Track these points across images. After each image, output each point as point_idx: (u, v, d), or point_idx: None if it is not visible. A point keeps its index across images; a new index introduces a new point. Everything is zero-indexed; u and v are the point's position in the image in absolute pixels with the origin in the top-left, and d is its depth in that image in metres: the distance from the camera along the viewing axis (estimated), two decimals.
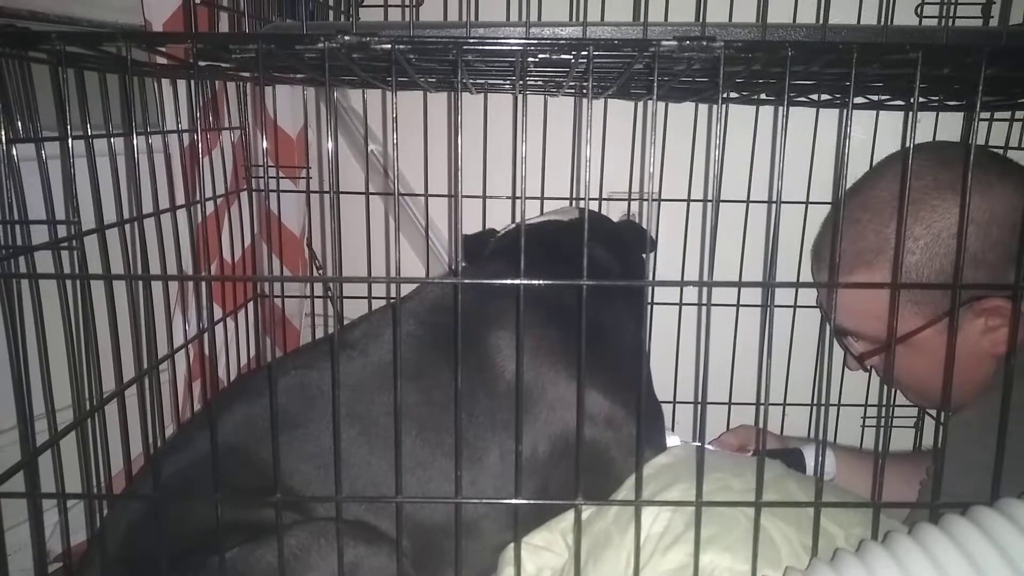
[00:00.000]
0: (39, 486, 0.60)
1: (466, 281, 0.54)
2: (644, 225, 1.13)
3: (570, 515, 0.77)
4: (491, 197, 1.15)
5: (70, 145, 0.56)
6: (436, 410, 0.77)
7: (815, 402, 1.14)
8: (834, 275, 0.57)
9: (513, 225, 1.07)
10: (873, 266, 0.85)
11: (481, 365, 0.80)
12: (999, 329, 0.80)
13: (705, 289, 0.54)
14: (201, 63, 0.76)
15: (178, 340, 0.95)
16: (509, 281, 0.53)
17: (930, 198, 0.81)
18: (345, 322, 0.92)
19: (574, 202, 1.18)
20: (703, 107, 1.14)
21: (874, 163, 1.12)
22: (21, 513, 0.62)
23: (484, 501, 0.78)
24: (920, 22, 1.07)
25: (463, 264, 1.07)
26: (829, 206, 1.15)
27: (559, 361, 0.81)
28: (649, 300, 1.11)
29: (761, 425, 0.60)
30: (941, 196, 0.81)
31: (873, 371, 1.05)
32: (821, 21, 0.92)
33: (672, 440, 0.86)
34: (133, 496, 0.74)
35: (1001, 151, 1.06)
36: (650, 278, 1.09)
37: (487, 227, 1.14)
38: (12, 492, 0.57)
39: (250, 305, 1.16)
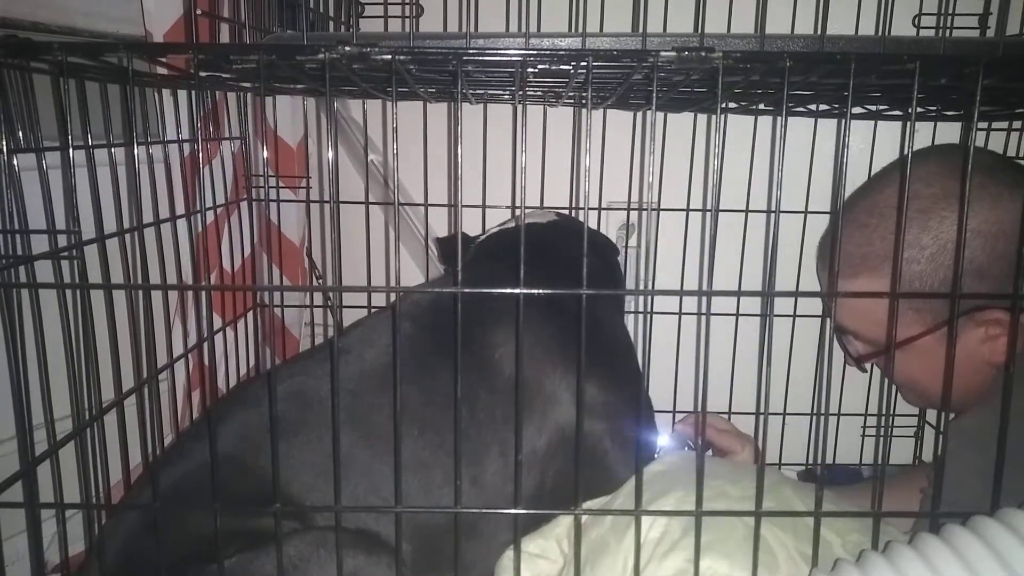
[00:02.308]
0: (37, 496, 0.60)
1: (466, 291, 0.54)
2: (644, 234, 1.14)
3: (565, 520, 0.77)
4: (491, 207, 1.15)
5: (71, 155, 0.56)
6: (437, 410, 0.78)
7: (815, 411, 1.14)
8: (833, 284, 0.57)
9: (495, 228, 1.07)
10: (877, 272, 0.85)
11: (479, 362, 0.81)
12: (998, 339, 0.80)
13: (704, 298, 0.54)
14: (202, 73, 0.76)
15: (177, 350, 0.95)
16: (509, 291, 0.54)
17: (939, 208, 0.81)
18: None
19: (574, 212, 1.18)
20: (702, 117, 1.15)
21: (873, 172, 1.12)
22: (19, 523, 0.62)
23: (483, 511, 0.78)
24: (917, 32, 1.07)
25: (445, 268, 1.07)
26: (828, 215, 1.15)
27: (555, 355, 0.82)
28: (648, 309, 1.11)
29: (761, 434, 0.60)
30: (951, 207, 0.80)
31: (874, 369, 1.05)
32: (819, 31, 0.92)
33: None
34: (132, 506, 0.74)
35: None
36: (649, 286, 1.10)
37: (462, 232, 1.14)
38: (10, 502, 0.57)
39: (250, 315, 1.16)
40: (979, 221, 0.78)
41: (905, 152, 0.55)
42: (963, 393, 0.81)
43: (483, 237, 1.07)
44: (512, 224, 1.04)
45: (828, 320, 0.92)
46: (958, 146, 1.05)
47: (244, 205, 1.12)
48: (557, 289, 0.54)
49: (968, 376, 0.81)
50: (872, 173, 1.13)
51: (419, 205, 1.19)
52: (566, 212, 1.17)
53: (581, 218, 1.12)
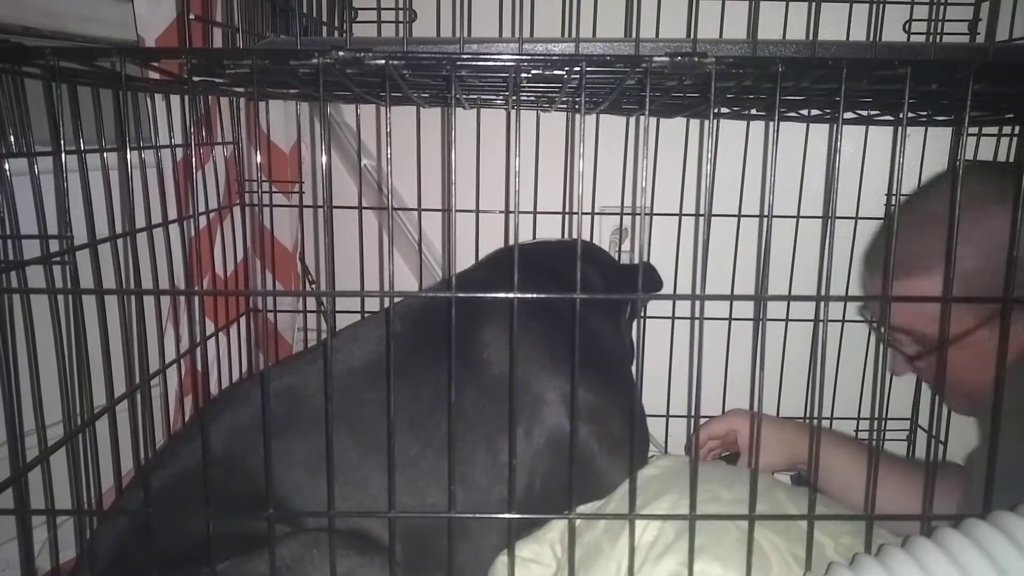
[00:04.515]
0: (28, 503, 0.59)
1: (460, 295, 0.54)
2: (637, 239, 1.14)
3: (558, 525, 0.77)
4: (484, 211, 1.15)
5: (63, 160, 0.56)
6: (424, 406, 0.78)
7: (808, 415, 1.14)
8: (830, 288, 0.57)
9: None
10: (932, 271, 0.86)
11: (468, 360, 0.81)
12: None
13: (697, 303, 0.54)
14: (195, 78, 0.76)
15: (170, 355, 0.95)
16: (503, 295, 0.54)
17: (990, 206, 0.82)
18: None
19: (566, 216, 1.19)
20: (695, 122, 1.15)
21: (864, 177, 1.13)
22: (10, 530, 0.62)
23: (477, 516, 0.78)
24: (908, 38, 1.08)
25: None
26: (820, 219, 1.15)
27: (544, 356, 0.82)
28: (641, 314, 1.12)
29: (755, 437, 0.60)
30: (1001, 205, 0.82)
31: (866, 375, 1.04)
32: (811, 37, 0.93)
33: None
34: (123, 511, 0.73)
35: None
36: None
37: (477, 245, 1.14)
38: (1, 509, 0.57)
39: (242, 320, 1.16)
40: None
41: (895, 157, 0.55)
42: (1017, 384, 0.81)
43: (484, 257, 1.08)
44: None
45: (877, 327, 0.92)
46: (992, 162, 1.05)
47: (237, 210, 1.12)
48: (548, 292, 0.54)
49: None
50: (863, 178, 1.14)
51: (412, 210, 1.19)
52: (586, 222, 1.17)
53: (573, 221, 1.12)
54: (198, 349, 0.86)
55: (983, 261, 0.82)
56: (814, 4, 0.93)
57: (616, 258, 1.20)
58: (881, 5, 0.89)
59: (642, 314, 1.13)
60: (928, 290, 0.85)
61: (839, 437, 1.00)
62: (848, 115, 1.01)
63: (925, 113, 0.96)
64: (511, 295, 0.53)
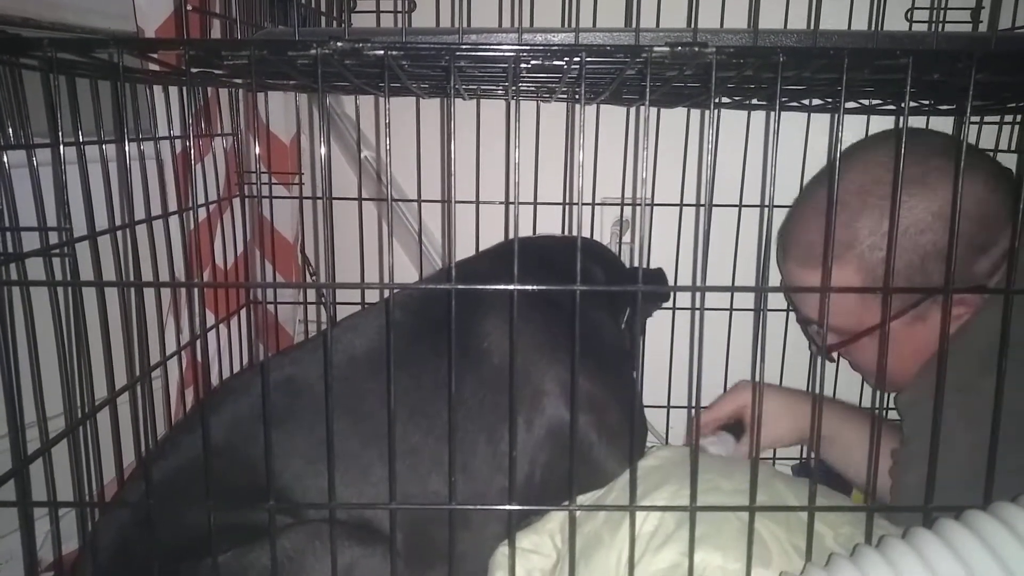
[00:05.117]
0: (30, 495, 0.59)
1: (460, 287, 0.54)
2: (637, 230, 1.14)
3: (557, 515, 0.77)
4: (484, 202, 1.15)
5: (61, 152, 0.56)
6: (425, 394, 0.78)
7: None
8: (826, 279, 0.57)
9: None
10: (841, 260, 0.85)
11: (468, 350, 0.81)
12: (963, 318, 0.81)
13: (698, 294, 0.54)
14: (194, 69, 0.76)
15: (170, 347, 0.95)
16: (503, 286, 0.54)
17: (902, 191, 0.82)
18: None
19: (567, 207, 1.18)
20: (695, 112, 1.15)
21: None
22: (12, 522, 0.62)
23: (477, 508, 0.78)
24: (910, 27, 1.07)
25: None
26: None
27: (544, 346, 0.82)
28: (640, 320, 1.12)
29: (756, 426, 0.60)
30: (909, 191, 0.81)
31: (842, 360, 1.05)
32: (812, 27, 0.92)
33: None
34: (125, 503, 0.73)
35: (991, 155, 1.07)
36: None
37: (478, 236, 1.14)
38: (3, 501, 0.57)
39: (243, 312, 1.16)
40: (940, 204, 0.78)
41: (899, 147, 0.55)
42: (930, 376, 0.82)
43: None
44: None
45: (794, 312, 0.93)
46: (914, 130, 1.04)
47: (237, 202, 1.12)
48: (549, 283, 0.54)
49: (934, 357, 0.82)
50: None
51: (412, 201, 1.19)
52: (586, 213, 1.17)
53: (574, 212, 1.12)
54: (199, 341, 0.86)
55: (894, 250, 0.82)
56: None
57: (618, 252, 1.19)
58: None
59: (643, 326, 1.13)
60: (837, 277, 0.84)
61: (844, 407, 0.99)
62: (850, 105, 1.00)
63: (927, 102, 0.96)
64: (511, 287, 0.53)
